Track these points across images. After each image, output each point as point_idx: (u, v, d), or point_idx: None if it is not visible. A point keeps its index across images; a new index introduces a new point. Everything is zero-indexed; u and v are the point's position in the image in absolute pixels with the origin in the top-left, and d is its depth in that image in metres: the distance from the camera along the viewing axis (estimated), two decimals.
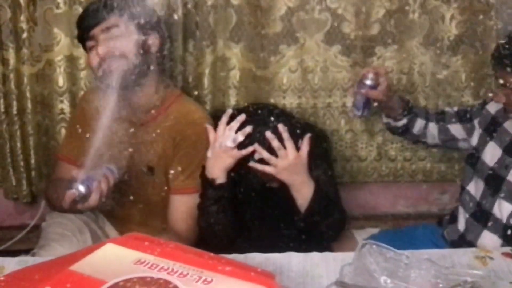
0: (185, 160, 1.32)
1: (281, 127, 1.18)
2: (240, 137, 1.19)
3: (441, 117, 1.57)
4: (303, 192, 1.23)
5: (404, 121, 1.55)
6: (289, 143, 1.18)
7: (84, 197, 1.16)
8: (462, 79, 1.76)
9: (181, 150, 1.31)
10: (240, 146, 1.20)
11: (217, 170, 1.21)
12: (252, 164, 1.19)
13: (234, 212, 1.28)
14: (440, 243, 1.49)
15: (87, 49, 1.33)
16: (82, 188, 1.15)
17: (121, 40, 1.27)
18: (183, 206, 1.33)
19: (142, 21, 1.30)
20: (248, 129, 1.19)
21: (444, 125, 1.55)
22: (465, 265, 0.93)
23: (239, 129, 1.20)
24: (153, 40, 1.33)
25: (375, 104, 1.51)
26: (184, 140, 1.31)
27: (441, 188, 1.95)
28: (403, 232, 1.65)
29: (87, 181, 1.16)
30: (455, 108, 1.59)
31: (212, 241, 1.28)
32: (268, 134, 1.17)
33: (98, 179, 1.18)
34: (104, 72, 1.28)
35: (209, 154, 1.22)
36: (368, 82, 1.47)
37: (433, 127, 1.57)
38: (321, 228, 1.27)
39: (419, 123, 1.56)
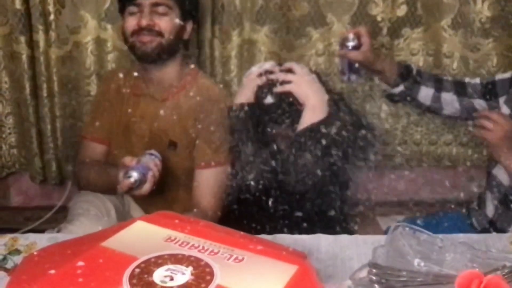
0: (210, 136, 1.33)
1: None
2: (268, 65, 1.22)
3: (461, 90, 1.44)
4: (313, 114, 1.18)
5: (401, 87, 1.43)
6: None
7: (139, 185, 1.21)
8: (494, 62, 1.72)
9: (205, 126, 1.33)
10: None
11: (239, 96, 1.25)
12: (278, 88, 1.19)
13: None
14: (468, 232, 1.45)
15: (125, 12, 1.34)
16: (138, 177, 1.20)
17: (165, 19, 1.31)
18: (209, 180, 1.34)
19: (189, 7, 1.36)
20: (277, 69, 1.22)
21: (467, 99, 1.43)
22: (501, 250, 0.91)
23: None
24: (189, 27, 1.38)
25: (362, 67, 1.40)
26: (207, 116, 1.33)
27: (469, 174, 1.90)
28: (428, 219, 1.60)
29: (142, 169, 1.21)
30: (477, 80, 1.45)
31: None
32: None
33: (151, 168, 1.22)
34: (136, 41, 1.31)
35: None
36: (350, 43, 1.38)
37: (451, 98, 1.45)
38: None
39: (425, 91, 1.44)
